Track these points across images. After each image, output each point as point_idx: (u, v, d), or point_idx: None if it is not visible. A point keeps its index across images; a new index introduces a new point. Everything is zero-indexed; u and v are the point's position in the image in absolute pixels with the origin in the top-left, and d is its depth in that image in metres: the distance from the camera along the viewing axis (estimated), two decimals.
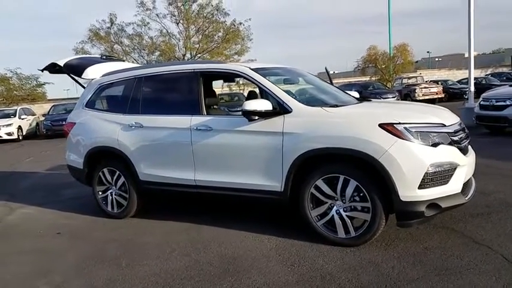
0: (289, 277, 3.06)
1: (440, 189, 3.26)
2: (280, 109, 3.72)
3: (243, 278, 3.12)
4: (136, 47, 24.35)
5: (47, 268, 3.63)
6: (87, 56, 6.08)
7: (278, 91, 3.84)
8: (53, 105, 20.90)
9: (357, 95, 4.95)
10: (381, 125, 3.29)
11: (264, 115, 3.72)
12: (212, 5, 22.42)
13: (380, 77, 28.24)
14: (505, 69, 31.18)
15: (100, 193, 5.03)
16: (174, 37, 23.03)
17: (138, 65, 5.07)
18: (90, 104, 5.19)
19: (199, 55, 23.41)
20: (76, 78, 5.53)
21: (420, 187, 3.19)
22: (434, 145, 3.29)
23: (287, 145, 3.63)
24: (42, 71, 5.75)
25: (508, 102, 9.02)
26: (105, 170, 4.92)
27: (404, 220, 3.32)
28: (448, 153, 3.34)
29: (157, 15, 22.73)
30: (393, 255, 3.29)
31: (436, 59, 61.65)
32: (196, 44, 23.19)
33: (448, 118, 3.61)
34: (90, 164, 5.02)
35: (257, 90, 4.66)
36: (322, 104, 3.98)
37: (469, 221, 3.90)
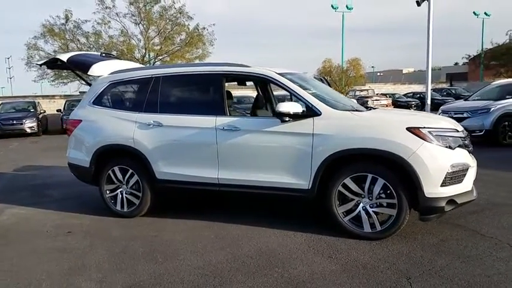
0: (333, 267, 3.30)
1: (457, 187, 3.69)
2: (310, 112, 3.98)
3: (289, 268, 3.31)
4: (92, 46, 23.52)
5: (79, 265, 3.58)
6: (88, 52, 5.95)
7: (306, 95, 4.10)
8: (1, 103, 19.57)
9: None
10: (408, 129, 3.66)
11: (296, 117, 3.95)
12: (175, 8, 22.29)
13: (334, 89, 29.49)
14: (444, 85, 33.93)
15: (108, 192, 4.95)
16: (135, 38, 22.56)
17: (148, 65, 5.08)
18: (99, 101, 5.11)
19: (159, 57, 23.12)
20: (80, 74, 5.42)
21: (442, 185, 3.59)
22: (452, 148, 3.72)
23: (317, 146, 3.89)
24: (40, 65, 5.56)
25: (465, 115, 9.97)
26: (115, 168, 4.87)
27: (427, 215, 3.71)
28: (462, 155, 3.78)
29: (117, 14, 22.17)
30: (416, 246, 3.65)
31: (378, 74, 65.38)
32: (157, 46, 22.86)
33: (457, 125, 4.07)
34: (98, 162, 4.93)
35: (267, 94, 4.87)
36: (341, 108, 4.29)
37: (468, 217, 4.38)
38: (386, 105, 24.24)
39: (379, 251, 3.59)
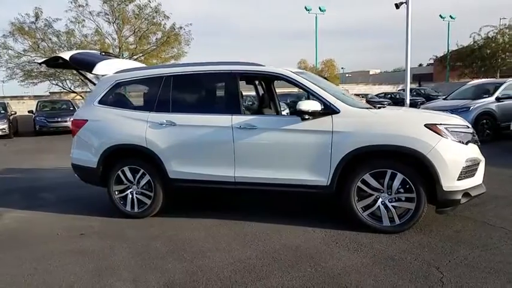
0: (362, 260, 3.41)
1: (471, 180, 3.89)
2: (328, 110, 4.07)
3: (321, 262, 3.39)
4: (63, 45, 22.79)
5: (105, 266, 3.52)
6: (89, 51, 5.81)
7: (324, 93, 4.19)
8: None
9: None
10: (426, 125, 3.82)
11: (315, 115, 4.03)
12: (151, 7, 21.96)
13: None
14: (413, 86, 35.06)
15: (117, 193, 4.87)
16: (109, 37, 22.06)
17: (157, 65, 5.04)
18: (105, 101, 5.01)
19: (134, 57, 22.69)
20: (83, 72, 5.30)
21: (458, 179, 3.78)
22: (466, 143, 3.91)
23: (336, 143, 3.99)
24: (40, 64, 5.40)
25: None
26: (125, 168, 4.79)
27: (444, 207, 3.89)
28: (474, 150, 3.99)
29: (90, 12, 21.60)
30: (434, 238, 3.82)
31: (347, 75, 66.91)
32: (132, 45, 22.45)
33: (465, 121, 4.28)
34: (107, 162, 4.84)
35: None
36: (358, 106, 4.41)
37: (472, 209, 4.60)
38: None
39: (400, 243, 3.73)
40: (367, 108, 4.30)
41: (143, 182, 4.76)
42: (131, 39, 23.16)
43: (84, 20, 21.47)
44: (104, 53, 5.84)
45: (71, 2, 21.22)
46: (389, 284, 2.97)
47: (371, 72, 68.88)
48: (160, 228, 4.44)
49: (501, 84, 11.07)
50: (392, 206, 3.93)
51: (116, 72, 5.10)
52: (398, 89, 33.53)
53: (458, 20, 40.99)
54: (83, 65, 5.23)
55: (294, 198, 5.15)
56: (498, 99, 10.57)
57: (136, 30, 22.84)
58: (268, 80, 5.60)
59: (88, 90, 23.63)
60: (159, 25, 22.53)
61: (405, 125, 3.91)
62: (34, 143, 15.24)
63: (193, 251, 3.77)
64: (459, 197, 3.80)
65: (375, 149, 3.91)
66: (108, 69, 5.12)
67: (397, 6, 13.30)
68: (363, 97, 27.22)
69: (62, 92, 25.21)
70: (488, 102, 10.52)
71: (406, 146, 3.79)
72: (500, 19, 33.91)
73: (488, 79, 18.57)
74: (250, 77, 4.90)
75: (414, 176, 3.83)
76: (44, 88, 24.80)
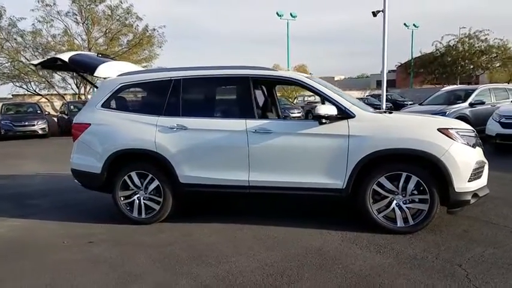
0: (387, 260, 3.50)
1: (478, 182, 4.10)
2: (344, 114, 4.16)
3: (348, 263, 3.45)
4: (29, 45, 21.91)
5: (127, 273, 3.43)
6: (86, 52, 5.63)
7: (339, 98, 4.28)
8: None
9: None
10: (439, 129, 3.99)
11: (332, 119, 4.11)
12: (123, 8, 21.50)
13: (282, 94, 30.26)
14: (378, 92, 36.23)
15: (123, 198, 4.74)
16: (79, 38, 21.39)
17: (165, 67, 4.97)
18: (109, 104, 4.88)
19: None
20: (83, 75, 5.13)
21: (469, 180, 3.96)
22: (473, 146, 4.11)
23: (353, 146, 4.08)
24: (36, 66, 5.19)
25: None
26: (132, 173, 4.68)
27: (455, 208, 4.08)
28: (480, 153, 4.20)
29: (58, 12, 20.87)
30: (447, 237, 3.98)
31: None
32: (103, 46, 21.86)
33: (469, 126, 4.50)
34: (112, 168, 4.70)
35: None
36: (371, 110, 4.53)
37: (473, 209, 4.80)
38: None
39: (417, 243, 3.86)
40: (380, 112, 4.42)
41: (151, 187, 4.66)
42: (101, 40, 22.55)
43: (52, 20, 20.72)
44: (101, 55, 5.69)
45: (38, 1, 20.45)
46: (422, 283, 3.07)
47: (336, 78, 70.43)
48: (172, 234, 4.37)
49: (473, 90, 11.68)
50: (406, 207, 4.06)
51: (118, 75, 4.98)
52: (366, 94, 34.53)
53: (421, 28, 42.75)
54: (83, 66, 5.07)
55: (303, 201, 5.21)
56: (471, 104, 11.13)
57: (106, 32, 22.29)
58: (271, 84, 5.63)
59: (55, 92, 22.84)
60: (131, 27, 22.09)
61: (419, 129, 4.06)
62: (1, 148, 14.51)
63: (215, 255, 3.73)
64: (469, 197, 3.99)
65: (391, 152, 4.03)
66: (110, 71, 4.99)
67: (374, 14, 13.75)
68: None
69: (25, 95, 24.21)
70: (463, 107, 11.07)
71: (421, 150, 3.93)
72: (460, 28, 35.67)
73: (461, 86, 19.53)
74: (264, 82, 4.93)
75: (428, 178, 3.98)
76: (6, 90, 23.73)
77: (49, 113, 19.90)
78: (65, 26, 21.32)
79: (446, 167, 3.89)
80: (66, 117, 18.69)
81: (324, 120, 4.10)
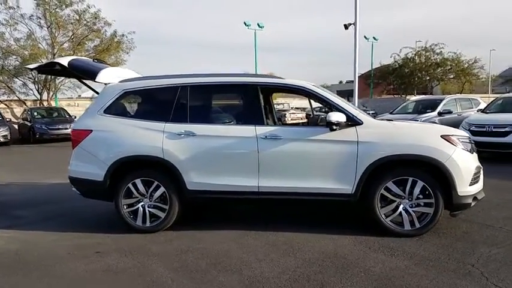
0: (404, 262, 3.63)
1: (477, 185, 4.36)
2: (352, 121, 4.31)
3: (369, 266, 3.55)
4: None
5: (152, 283, 3.35)
6: (82, 57, 5.43)
7: (346, 106, 4.42)
8: None
9: None
10: (442, 136, 4.22)
11: (342, 126, 4.24)
12: (90, 13, 20.90)
13: None
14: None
15: (126, 207, 4.62)
16: (44, 42, 20.53)
17: (170, 74, 4.91)
18: (112, 110, 4.75)
19: None
20: (84, 80, 4.98)
21: (470, 184, 4.21)
22: (472, 152, 4.37)
23: (362, 152, 4.22)
24: (31, 70, 4.99)
25: None
26: (137, 181, 4.58)
27: (457, 210, 4.30)
28: (476, 159, 4.46)
29: (22, 15, 19.97)
30: (450, 239, 4.19)
31: None
32: (69, 51, 21.10)
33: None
34: (115, 175, 4.58)
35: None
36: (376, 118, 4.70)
37: (466, 212, 5.04)
38: (301, 118, 25.87)
39: (426, 245, 4.03)
40: (387, 120, 4.60)
41: (157, 194, 4.58)
42: (67, 45, 21.78)
43: (17, 23, 19.79)
44: (96, 60, 5.54)
45: (1, 4, 19.48)
46: (444, 283, 3.21)
47: None
48: (182, 242, 4.30)
49: (441, 100, 12.35)
50: (413, 211, 4.24)
51: (120, 81, 4.88)
52: None
53: (381, 41, 44.57)
54: (83, 72, 4.91)
55: (307, 207, 5.30)
56: (440, 113, 11.75)
57: (72, 37, 21.56)
58: (268, 91, 5.70)
59: (15, 98, 21.75)
60: (99, 32, 21.51)
61: (424, 136, 4.27)
62: None
63: (235, 263, 3.72)
64: (470, 200, 4.23)
65: (399, 158, 4.20)
66: (111, 77, 4.88)
67: (346, 27, 14.24)
68: (302, 110, 28.42)
69: None
70: (432, 116, 11.67)
71: (427, 155, 4.14)
72: (416, 42, 37.49)
73: (428, 96, 20.52)
74: (272, 90, 5.00)
75: (433, 183, 4.19)
76: None
77: (10, 119, 18.89)
78: (29, 29, 20.47)
79: (450, 171, 4.11)
80: (29, 124, 17.84)
81: (334, 127, 4.22)
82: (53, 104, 22.33)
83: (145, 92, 4.83)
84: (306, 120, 26.43)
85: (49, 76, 21.59)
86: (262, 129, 4.41)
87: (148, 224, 4.61)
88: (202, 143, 4.49)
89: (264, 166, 4.39)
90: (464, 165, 4.17)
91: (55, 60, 4.94)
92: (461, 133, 4.53)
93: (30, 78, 21.53)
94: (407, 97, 31.87)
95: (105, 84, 4.88)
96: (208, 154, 4.48)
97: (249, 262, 3.72)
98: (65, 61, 4.86)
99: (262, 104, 4.55)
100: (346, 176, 4.27)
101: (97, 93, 5.16)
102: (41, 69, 5.27)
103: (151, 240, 4.38)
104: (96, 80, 4.78)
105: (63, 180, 8.12)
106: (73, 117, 19.12)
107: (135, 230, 4.61)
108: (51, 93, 22.06)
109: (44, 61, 21.19)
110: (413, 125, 4.77)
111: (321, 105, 25.61)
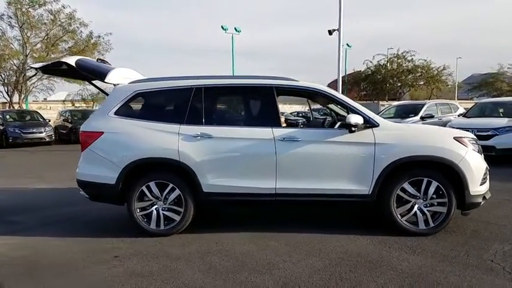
0: (427, 260, 3.73)
1: (486, 185, 4.54)
2: (369, 123, 4.40)
3: (396, 265, 3.63)
4: None
5: (184, 285, 3.29)
6: (86, 57, 5.24)
7: (363, 108, 4.51)
8: None
9: None
10: (455, 138, 4.37)
11: (360, 128, 4.32)
12: (65, 13, 20.32)
13: None
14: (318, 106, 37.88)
15: (139, 210, 4.51)
16: (17, 42, 19.77)
17: (184, 75, 4.84)
18: (123, 112, 4.64)
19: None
20: (92, 81, 4.84)
21: (480, 184, 4.38)
22: (480, 153, 4.56)
23: (379, 154, 4.32)
24: (36, 69, 4.81)
25: None
26: (151, 183, 4.48)
27: (468, 209, 4.46)
28: (483, 159, 4.65)
29: None
30: (463, 237, 4.34)
31: None
32: (43, 53, 20.42)
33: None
34: (129, 178, 4.47)
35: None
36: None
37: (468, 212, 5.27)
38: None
39: (442, 243, 4.16)
40: (400, 122, 4.73)
41: (172, 197, 4.50)
42: (39, 46, 21.07)
43: None
44: (100, 60, 5.40)
45: None
46: (472, 277, 3.33)
47: None
48: (201, 245, 4.25)
49: (422, 105, 12.77)
50: (427, 210, 4.37)
51: (130, 82, 4.79)
52: (307, 108, 35.93)
53: (354, 48, 45.58)
54: (91, 72, 4.77)
55: (318, 208, 5.35)
56: (422, 118, 12.16)
57: (45, 38, 20.88)
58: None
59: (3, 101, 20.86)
60: (74, 33, 20.92)
61: (438, 138, 4.42)
62: None
63: (262, 264, 3.71)
64: (480, 200, 4.41)
65: (415, 159, 4.32)
66: (120, 78, 4.78)
67: (330, 32, 14.52)
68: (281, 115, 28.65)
69: None
70: (415, 120, 12.05)
71: (442, 156, 4.28)
72: (388, 49, 38.66)
73: (409, 101, 21.14)
74: (287, 92, 5.02)
75: (446, 183, 4.33)
76: None
77: None
78: (0, 29, 19.65)
79: (463, 172, 4.26)
80: (0, 127, 17.09)
81: (353, 129, 4.29)
82: (24, 106, 21.50)
83: (158, 94, 4.75)
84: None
85: (20, 78, 20.86)
86: (279, 131, 4.43)
87: (162, 227, 4.52)
88: (219, 145, 4.45)
89: (282, 168, 4.40)
90: (475, 166, 4.34)
91: (62, 60, 4.78)
92: (471, 135, 4.71)
93: (0, 80, 20.67)
94: (380, 102, 32.72)
95: (114, 85, 4.77)
96: (225, 156, 4.45)
97: (275, 263, 3.72)
98: (72, 61, 4.71)
99: (278, 106, 4.57)
100: (364, 177, 4.35)
101: (106, 94, 5.02)
102: (47, 69, 5.08)
103: (168, 244, 4.30)
104: (105, 80, 4.66)
105: (47, 185, 7.94)
106: (47, 120, 18.48)
107: (149, 233, 4.51)
108: (22, 96, 21.23)
109: (16, 62, 20.47)
110: (427, 127, 4.93)
111: (298, 110, 25.89)
